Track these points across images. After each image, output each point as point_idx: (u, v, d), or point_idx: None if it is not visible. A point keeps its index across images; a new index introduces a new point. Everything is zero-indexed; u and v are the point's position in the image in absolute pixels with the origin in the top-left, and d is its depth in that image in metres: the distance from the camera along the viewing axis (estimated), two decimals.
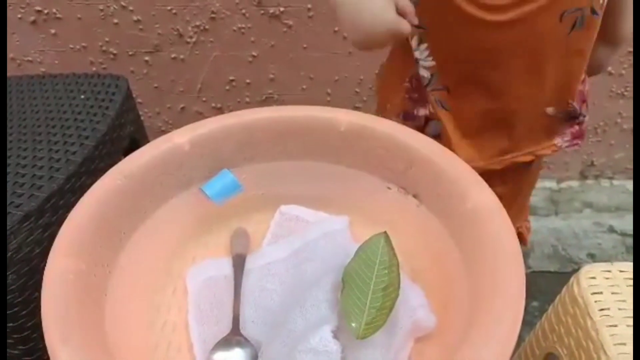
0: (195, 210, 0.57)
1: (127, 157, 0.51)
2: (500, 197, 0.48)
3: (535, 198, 1.50)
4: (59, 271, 0.40)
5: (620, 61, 1.32)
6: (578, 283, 0.59)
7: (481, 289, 0.42)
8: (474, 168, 0.51)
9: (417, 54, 0.69)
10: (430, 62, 0.69)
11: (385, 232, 0.49)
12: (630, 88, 1.37)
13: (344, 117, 0.56)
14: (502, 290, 0.40)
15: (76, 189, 0.78)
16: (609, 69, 1.33)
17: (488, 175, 0.51)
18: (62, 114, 0.87)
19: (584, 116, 0.75)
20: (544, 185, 1.54)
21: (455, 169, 0.50)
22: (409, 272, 0.52)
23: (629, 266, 0.60)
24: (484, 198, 0.47)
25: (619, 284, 0.58)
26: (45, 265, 0.76)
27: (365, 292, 0.45)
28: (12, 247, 0.68)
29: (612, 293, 0.57)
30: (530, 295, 1.41)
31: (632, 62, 1.32)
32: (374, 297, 0.45)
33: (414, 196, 0.55)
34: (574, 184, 1.55)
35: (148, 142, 1.01)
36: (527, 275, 1.47)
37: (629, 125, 1.44)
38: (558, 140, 0.75)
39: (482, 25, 0.61)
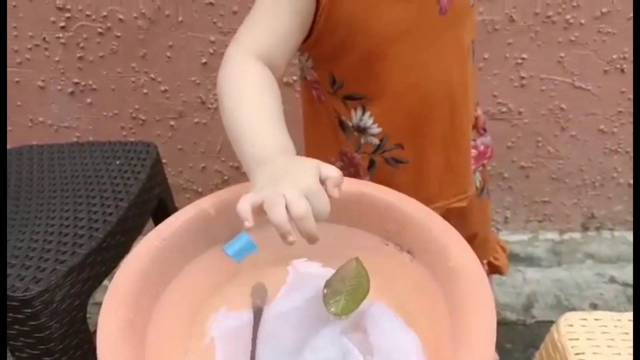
0: (219, 266, 0.66)
1: (164, 222, 0.60)
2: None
3: (538, 249, 1.57)
4: (113, 318, 0.49)
5: (612, 120, 1.41)
6: (558, 330, 0.66)
7: (461, 332, 0.50)
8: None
9: (362, 124, 0.74)
10: (376, 130, 0.74)
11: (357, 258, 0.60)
12: (624, 144, 1.46)
13: (345, 184, 0.65)
14: (476, 334, 0.48)
15: (111, 246, 0.87)
16: (602, 127, 1.42)
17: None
18: (100, 178, 0.97)
19: (474, 140, 0.85)
20: (546, 237, 1.60)
21: (441, 230, 0.59)
22: (405, 317, 0.60)
23: (603, 314, 0.67)
24: (464, 256, 0.55)
25: (594, 330, 0.65)
26: (83, 315, 0.85)
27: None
28: (57, 298, 0.77)
29: (588, 339, 0.64)
30: (533, 345, 1.45)
31: (622, 121, 1.41)
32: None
33: (408, 252, 0.63)
34: (576, 235, 1.61)
35: (173, 202, 1.12)
36: (531, 324, 1.53)
37: (624, 179, 1.52)
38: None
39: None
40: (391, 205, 0.62)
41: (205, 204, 0.64)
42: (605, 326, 0.65)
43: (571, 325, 0.65)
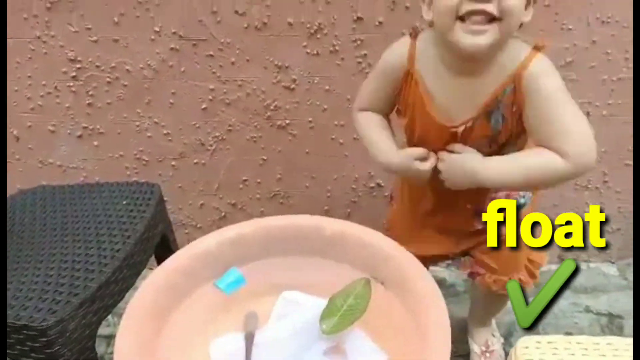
0: (216, 297, 0.75)
1: (172, 257, 0.70)
2: None
3: None
4: (130, 336, 0.57)
5: None
6: (515, 352, 0.75)
7: (426, 349, 0.59)
8: None
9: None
10: None
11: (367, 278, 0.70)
12: (593, 181, 1.56)
13: (328, 225, 0.75)
14: (436, 343, 0.57)
15: (119, 280, 0.96)
16: None
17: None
18: (108, 217, 1.07)
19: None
20: None
21: (408, 264, 0.69)
22: (378, 339, 0.69)
23: (556, 338, 0.76)
24: (426, 285, 0.65)
25: (546, 352, 0.74)
26: (92, 343, 0.92)
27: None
28: (70, 328, 0.85)
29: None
30: None
31: None
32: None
33: (382, 283, 0.73)
34: (554, 267, 1.69)
35: (174, 238, 1.21)
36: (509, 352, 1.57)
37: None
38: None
39: None
40: (366, 242, 0.72)
41: (209, 241, 0.73)
42: (556, 348, 0.75)
43: (527, 347, 0.74)
